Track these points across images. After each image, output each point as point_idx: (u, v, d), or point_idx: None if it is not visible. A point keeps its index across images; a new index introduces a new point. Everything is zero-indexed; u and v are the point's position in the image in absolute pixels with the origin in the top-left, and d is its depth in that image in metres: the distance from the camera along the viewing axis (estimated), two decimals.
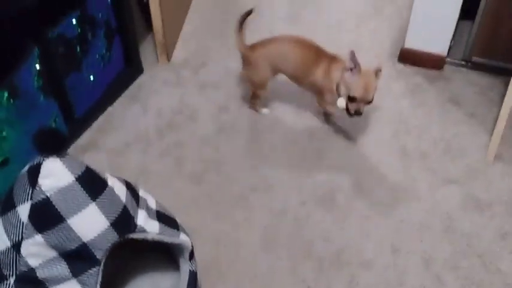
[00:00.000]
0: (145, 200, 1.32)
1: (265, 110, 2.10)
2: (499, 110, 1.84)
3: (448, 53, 2.29)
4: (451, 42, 2.24)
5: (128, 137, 2.00)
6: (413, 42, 2.28)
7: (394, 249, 1.65)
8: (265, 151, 1.97)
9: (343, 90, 1.76)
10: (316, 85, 1.89)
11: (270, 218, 1.75)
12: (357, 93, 1.71)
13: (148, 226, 1.25)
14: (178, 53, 2.38)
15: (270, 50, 1.93)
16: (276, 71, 1.97)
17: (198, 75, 2.28)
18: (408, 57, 2.31)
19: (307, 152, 1.97)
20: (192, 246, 1.39)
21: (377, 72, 1.73)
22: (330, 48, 1.90)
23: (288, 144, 2.00)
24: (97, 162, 1.90)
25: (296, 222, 1.73)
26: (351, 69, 1.70)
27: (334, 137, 2.01)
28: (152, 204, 1.35)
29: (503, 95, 1.81)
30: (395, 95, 2.20)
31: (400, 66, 2.31)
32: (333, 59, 1.84)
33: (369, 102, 1.75)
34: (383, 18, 2.56)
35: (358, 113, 1.75)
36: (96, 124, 2.04)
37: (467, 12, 2.22)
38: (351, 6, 2.63)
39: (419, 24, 2.21)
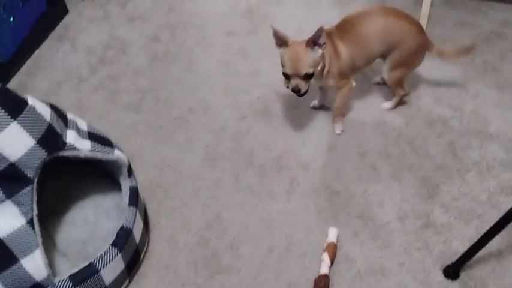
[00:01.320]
0: (74, 122, 1.32)
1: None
2: None
3: None
4: None
5: (58, 76, 1.97)
6: None
7: (330, 148, 1.71)
8: (201, 76, 1.98)
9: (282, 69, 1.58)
10: None
11: (210, 135, 1.78)
12: (285, 68, 1.54)
13: (78, 144, 1.26)
14: None
15: None
16: None
17: (125, 9, 2.23)
18: None
19: (243, 71, 1.99)
20: (129, 162, 1.42)
21: (309, 41, 1.50)
22: None
23: (223, 66, 2.01)
24: None
25: (236, 137, 1.77)
26: (280, 46, 1.55)
27: (267, 55, 2.03)
28: (83, 125, 1.35)
29: None
30: (325, 6, 2.22)
31: None
32: None
33: (307, 76, 1.53)
34: None
35: (296, 90, 1.54)
36: (24, 68, 2.00)
37: None
38: None
39: None
